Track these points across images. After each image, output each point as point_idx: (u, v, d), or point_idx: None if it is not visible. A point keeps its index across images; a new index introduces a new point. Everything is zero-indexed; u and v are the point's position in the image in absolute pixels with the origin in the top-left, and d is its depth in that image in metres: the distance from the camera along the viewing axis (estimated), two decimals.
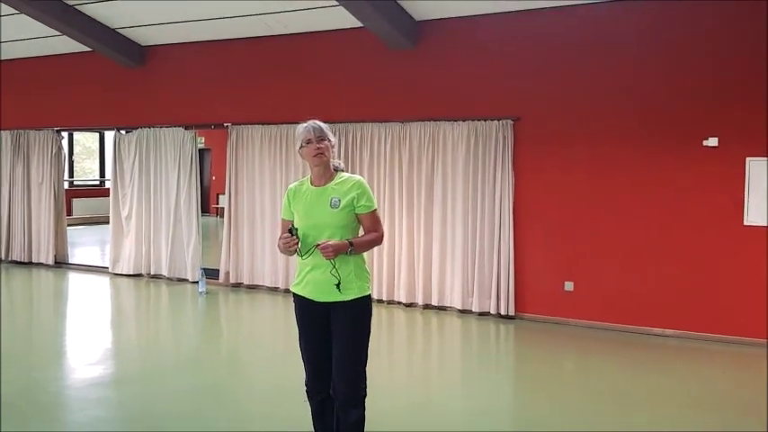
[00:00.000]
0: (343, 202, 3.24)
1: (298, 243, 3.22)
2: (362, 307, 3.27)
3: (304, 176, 3.46)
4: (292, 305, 3.42)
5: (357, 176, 3.36)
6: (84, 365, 5.46)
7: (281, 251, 3.30)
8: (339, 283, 3.20)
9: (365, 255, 3.37)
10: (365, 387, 3.32)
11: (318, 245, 3.16)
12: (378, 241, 3.35)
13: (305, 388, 3.44)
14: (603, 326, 6.78)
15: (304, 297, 3.32)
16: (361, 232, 3.35)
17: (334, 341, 3.29)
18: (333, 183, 3.31)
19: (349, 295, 3.23)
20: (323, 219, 3.24)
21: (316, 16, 7.63)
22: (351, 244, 3.19)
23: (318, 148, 3.25)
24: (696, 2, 6.30)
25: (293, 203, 3.37)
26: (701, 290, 6.40)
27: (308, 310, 3.33)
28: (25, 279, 9.42)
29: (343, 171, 3.38)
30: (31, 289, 8.94)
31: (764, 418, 4.44)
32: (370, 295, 3.33)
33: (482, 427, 4.28)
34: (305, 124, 3.32)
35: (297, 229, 3.24)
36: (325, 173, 3.32)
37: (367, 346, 3.32)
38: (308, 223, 3.27)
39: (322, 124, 3.32)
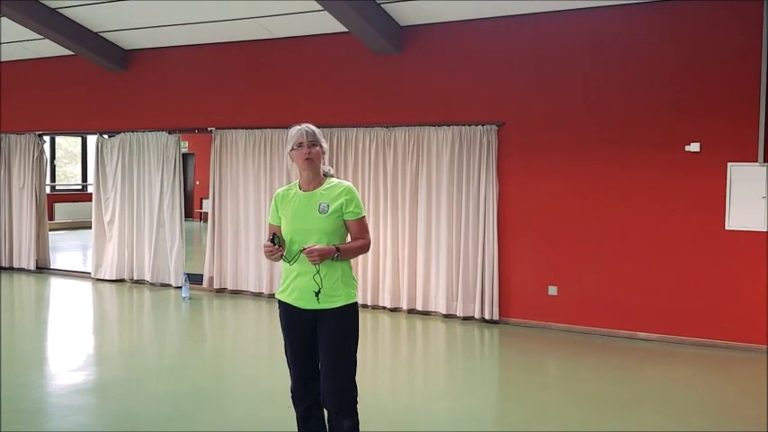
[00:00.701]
0: (331, 208, 3.21)
1: (282, 250, 3.19)
2: (350, 314, 3.23)
3: (289, 182, 3.44)
4: (277, 311, 3.38)
5: (346, 182, 3.32)
6: (67, 371, 5.41)
7: (267, 257, 3.26)
8: (319, 291, 3.15)
9: (351, 261, 3.33)
10: (356, 395, 3.27)
11: (304, 249, 3.11)
12: (365, 249, 3.30)
13: (290, 394, 3.41)
14: (587, 330, 6.83)
15: (289, 304, 3.27)
16: (348, 239, 3.31)
17: (322, 350, 3.24)
18: (322, 188, 3.27)
19: (336, 303, 3.19)
20: (311, 224, 3.20)
21: (301, 21, 7.63)
22: (338, 249, 3.15)
23: (309, 153, 3.21)
24: (678, 9, 6.38)
25: (281, 208, 3.32)
26: (683, 294, 6.46)
27: (293, 318, 3.28)
28: (6, 284, 9.30)
29: (332, 177, 3.35)
30: (12, 294, 8.83)
31: (748, 420, 4.50)
32: (356, 302, 3.28)
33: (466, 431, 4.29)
34: (298, 127, 3.26)
35: (278, 237, 3.20)
36: (315, 178, 3.28)
37: (355, 354, 3.27)
38: (295, 228, 3.23)
39: (316, 129, 3.27)
